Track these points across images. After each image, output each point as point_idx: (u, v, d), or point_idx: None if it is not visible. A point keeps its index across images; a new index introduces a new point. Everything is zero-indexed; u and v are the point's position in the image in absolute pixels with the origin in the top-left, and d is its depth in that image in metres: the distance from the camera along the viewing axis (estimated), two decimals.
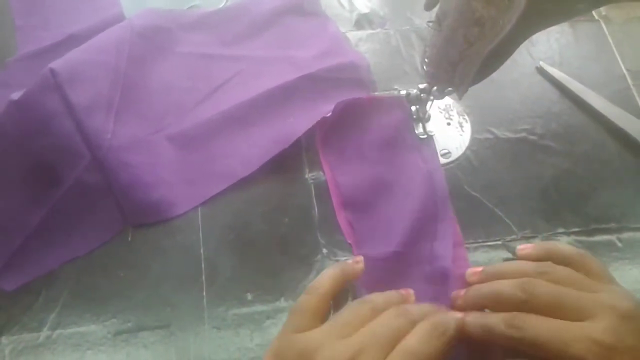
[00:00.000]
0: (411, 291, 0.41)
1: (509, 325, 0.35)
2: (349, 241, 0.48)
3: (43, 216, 0.47)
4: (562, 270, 0.38)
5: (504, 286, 0.38)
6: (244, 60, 0.57)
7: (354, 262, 0.41)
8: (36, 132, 0.46)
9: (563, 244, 0.44)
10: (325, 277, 0.39)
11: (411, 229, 0.47)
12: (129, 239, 0.48)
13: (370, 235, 0.48)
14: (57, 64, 0.46)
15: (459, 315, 0.37)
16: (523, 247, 0.45)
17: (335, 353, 0.32)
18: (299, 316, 0.36)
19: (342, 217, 0.49)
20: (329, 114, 0.51)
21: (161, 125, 0.52)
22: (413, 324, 0.35)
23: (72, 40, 0.55)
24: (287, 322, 0.37)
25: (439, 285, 0.44)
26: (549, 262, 0.39)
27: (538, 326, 0.35)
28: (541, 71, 0.57)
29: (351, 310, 0.36)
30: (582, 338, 0.33)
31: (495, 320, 0.37)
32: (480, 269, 0.43)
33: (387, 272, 0.45)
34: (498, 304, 0.38)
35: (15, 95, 0.45)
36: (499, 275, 0.40)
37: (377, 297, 0.38)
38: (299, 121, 0.52)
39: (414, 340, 0.33)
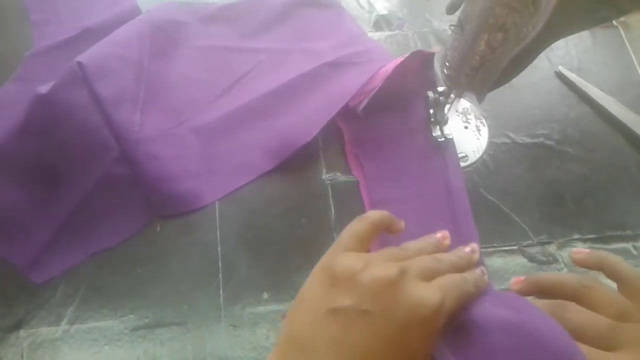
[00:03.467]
0: (446, 233, 0.42)
1: None
2: (354, 174, 0.49)
3: (73, 209, 0.47)
4: (605, 290, 0.37)
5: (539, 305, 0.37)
6: (262, 52, 0.58)
7: (398, 221, 0.42)
8: (65, 126, 0.46)
9: (622, 261, 0.39)
10: (376, 212, 0.40)
11: (422, 174, 0.49)
12: (158, 229, 0.48)
13: (381, 176, 0.49)
14: (84, 57, 0.47)
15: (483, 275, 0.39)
16: (578, 251, 0.43)
17: (380, 271, 0.33)
18: (348, 238, 0.38)
19: (350, 152, 0.50)
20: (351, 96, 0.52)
21: (184, 118, 0.52)
22: (449, 270, 0.37)
23: (88, 34, 0.56)
24: (337, 242, 0.38)
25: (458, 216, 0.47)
26: (595, 278, 0.38)
27: None
28: (560, 76, 0.57)
29: (393, 249, 0.38)
30: None
31: None
32: (522, 278, 0.42)
33: (406, 213, 0.46)
34: None
35: (43, 89, 0.45)
36: (541, 286, 0.40)
37: (413, 244, 0.39)
38: (322, 108, 0.52)
39: (457, 278, 0.36)
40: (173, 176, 0.49)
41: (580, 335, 0.35)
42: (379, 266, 0.34)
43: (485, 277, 0.39)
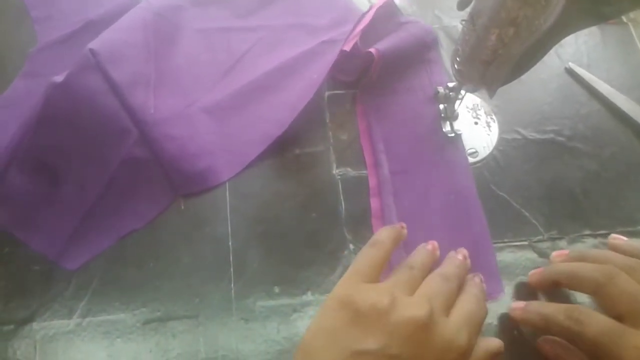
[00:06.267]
0: (436, 244, 0.43)
1: (568, 316, 0.37)
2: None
3: (99, 194, 0.48)
4: None
5: (586, 268, 0.39)
6: (260, 30, 0.59)
7: (400, 227, 0.42)
8: (83, 112, 0.47)
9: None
10: (385, 235, 0.40)
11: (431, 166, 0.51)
12: (182, 207, 0.49)
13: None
14: (95, 44, 0.47)
15: (482, 284, 0.41)
16: (616, 237, 0.45)
17: (412, 310, 0.33)
18: (366, 267, 0.37)
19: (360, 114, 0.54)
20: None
21: (193, 99, 0.53)
22: (457, 287, 0.38)
23: (92, 26, 0.56)
24: (354, 271, 0.37)
25: None
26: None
27: (597, 324, 0.35)
28: (570, 72, 0.57)
29: (404, 272, 0.38)
30: (635, 346, 0.33)
31: (554, 311, 0.38)
32: (566, 251, 0.44)
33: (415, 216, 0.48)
34: (575, 281, 0.39)
35: (58, 78, 0.46)
36: (586, 259, 0.41)
37: (417, 261, 0.39)
38: (320, 76, 0.53)
39: (471, 304, 0.37)
40: (191, 155, 0.50)
41: (620, 306, 0.36)
42: (407, 304, 0.34)
43: (484, 285, 0.41)
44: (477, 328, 0.36)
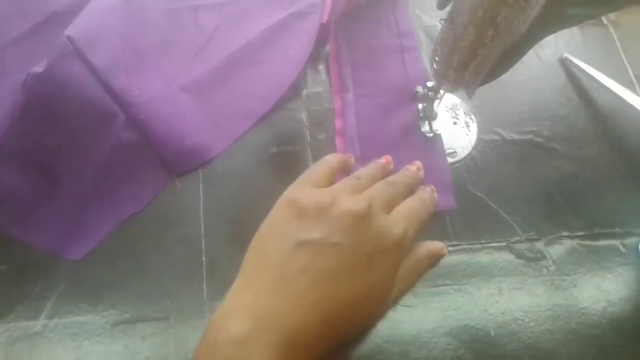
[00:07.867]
0: (390, 158, 0.44)
1: None
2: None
3: (93, 181, 0.47)
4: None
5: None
6: (226, 5, 0.59)
7: (349, 157, 0.45)
8: (67, 100, 0.46)
9: None
10: (333, 157, 0.43)
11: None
12: (179, 186, 0.49)
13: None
14: (71, 31, 0.46)
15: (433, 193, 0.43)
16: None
17: (351, 204, 0.36)
18: (316, 174, 0.40)
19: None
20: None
21: (171, 79, 0.52)
22: (404, 193, 0.41)
23: (57, 17, 0.54)
24: (303, 178, 0.40)
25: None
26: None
27: None
28: (563, 62, 0.58)
29: (350, 179, 0.40)
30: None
31: None
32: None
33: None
34: None
35: (38, 69, 0.44)
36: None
37: (365, 172, 0.42)
38: (299, 52, 0.55)
39: (414, 203, 0.40)
40: (180, 133, 0.50)
41: None
42: (346, 200, 0.36)
43: (435, 195, 0.43)
44: (416, 223, 0.39)
